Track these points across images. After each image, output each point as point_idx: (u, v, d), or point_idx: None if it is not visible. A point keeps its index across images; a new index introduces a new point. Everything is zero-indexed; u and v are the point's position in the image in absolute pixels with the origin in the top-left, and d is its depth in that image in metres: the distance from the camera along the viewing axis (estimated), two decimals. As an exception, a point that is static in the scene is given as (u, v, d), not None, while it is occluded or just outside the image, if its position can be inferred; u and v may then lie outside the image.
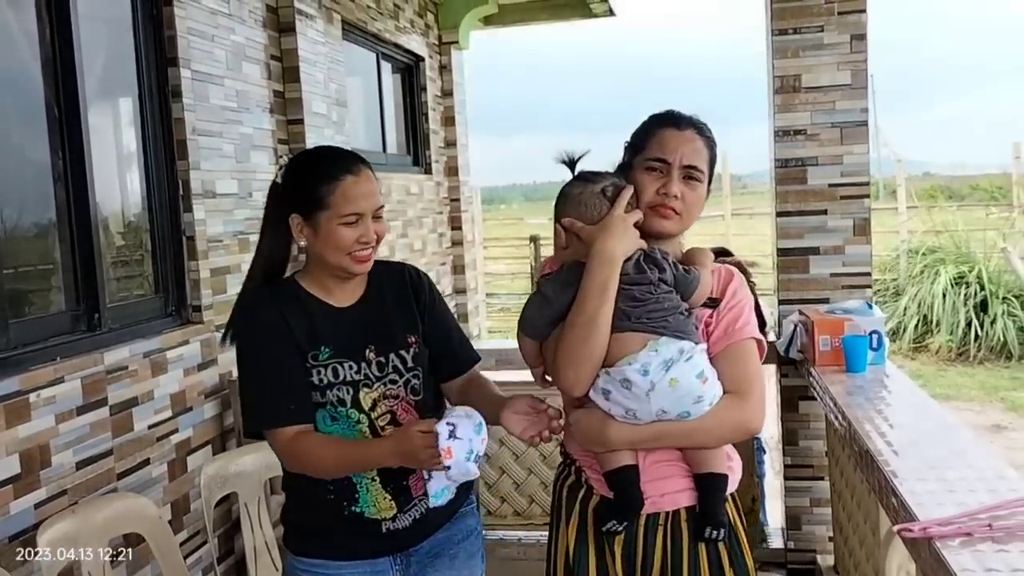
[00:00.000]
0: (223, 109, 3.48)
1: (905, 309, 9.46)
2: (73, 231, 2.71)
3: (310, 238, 1.74)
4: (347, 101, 4.70)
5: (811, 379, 2.88)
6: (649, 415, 1.60)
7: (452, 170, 6.53)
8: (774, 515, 3.78)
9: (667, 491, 1.70)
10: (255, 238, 1.89)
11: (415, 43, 6.00)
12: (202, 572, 3.13)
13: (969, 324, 8.97)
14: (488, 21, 7.00)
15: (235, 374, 3.07)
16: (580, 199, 1.69)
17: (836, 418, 2.41)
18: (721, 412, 1.62)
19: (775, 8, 3.25)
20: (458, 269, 6.66)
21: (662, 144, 1.71)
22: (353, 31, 4.98)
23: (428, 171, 6.19)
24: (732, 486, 1.76)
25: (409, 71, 6.11)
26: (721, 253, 3.61)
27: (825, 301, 3.26)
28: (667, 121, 1.75)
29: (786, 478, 3.45)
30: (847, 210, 3.27)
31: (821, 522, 3.37)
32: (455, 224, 6.60)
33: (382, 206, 1.76)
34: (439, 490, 1.67)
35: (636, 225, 1.67)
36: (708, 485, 1.68)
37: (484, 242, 11.45)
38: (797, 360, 3.17)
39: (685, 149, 1.70)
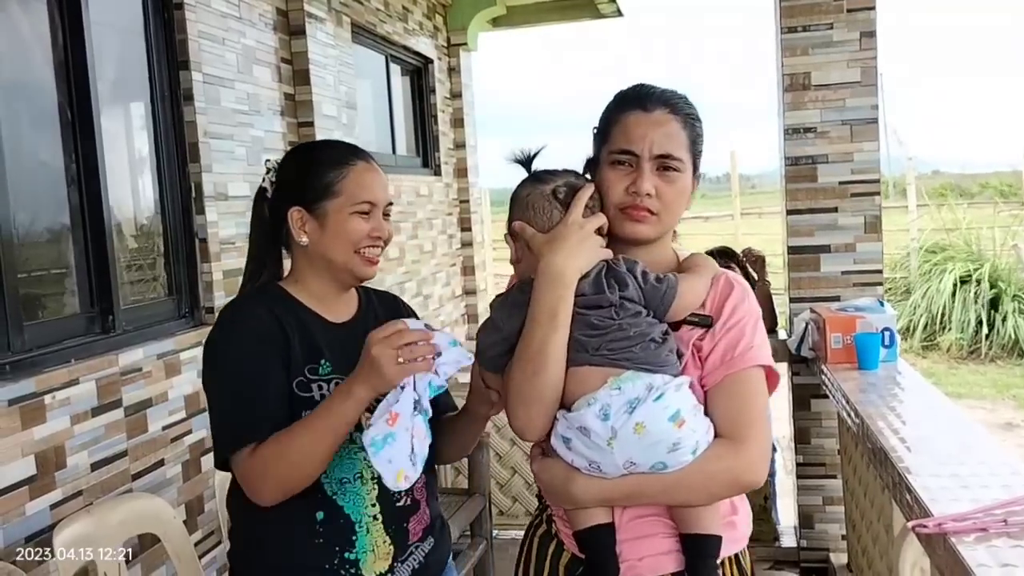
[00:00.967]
0: (234, 112, 3.50)
1: (915, 307, 9.41)
2: (87, 234, 2.73)
3: (314, 233, 1.52)
4: (357, 103, 4.72)
5: (823, 377, 2.88)
6: (615, 468, 1.29)
7: (461, 172, 6.53)
8: (786, 514, 3.77)
9: (646, 553, 1.37)
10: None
11: (424, 45, 6.01)
12: (216, 572, 3.14)
13: (980, 322, 8.90)
14: (497, 23, 7.00)
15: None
16: (528, 202, 1.39)
17: (849, 415, 2.41)
18: (709, 464, 1.29)
19: (784, 6, 3.25)
20: (468, 270, 6.67)
21: (627, 132, 1.38)
22: (362, 34, 4.99)
23: (438, 173, 6.19)
24: (736, 545, 1.42)
25: (418, 73, 6.13)
26: (722, 254, 3.58)
27: (836, 299, 3.27)
28: (631, 102, 1.40)
29: (798, 476, 3.45)
30: (858, 207, 3.28)
31: (834, 520, 3.37)
32: (465, 225, 6.61)
33: (391, 203, 1.61)
34: (377, 438, 1.32)
35: (600, 232, 1.37)
36: (695, 549, 1.35)
37: (494, 243, 11.42)
38: (809, 358, 3.17)
39: (655, 135, 1.36)
